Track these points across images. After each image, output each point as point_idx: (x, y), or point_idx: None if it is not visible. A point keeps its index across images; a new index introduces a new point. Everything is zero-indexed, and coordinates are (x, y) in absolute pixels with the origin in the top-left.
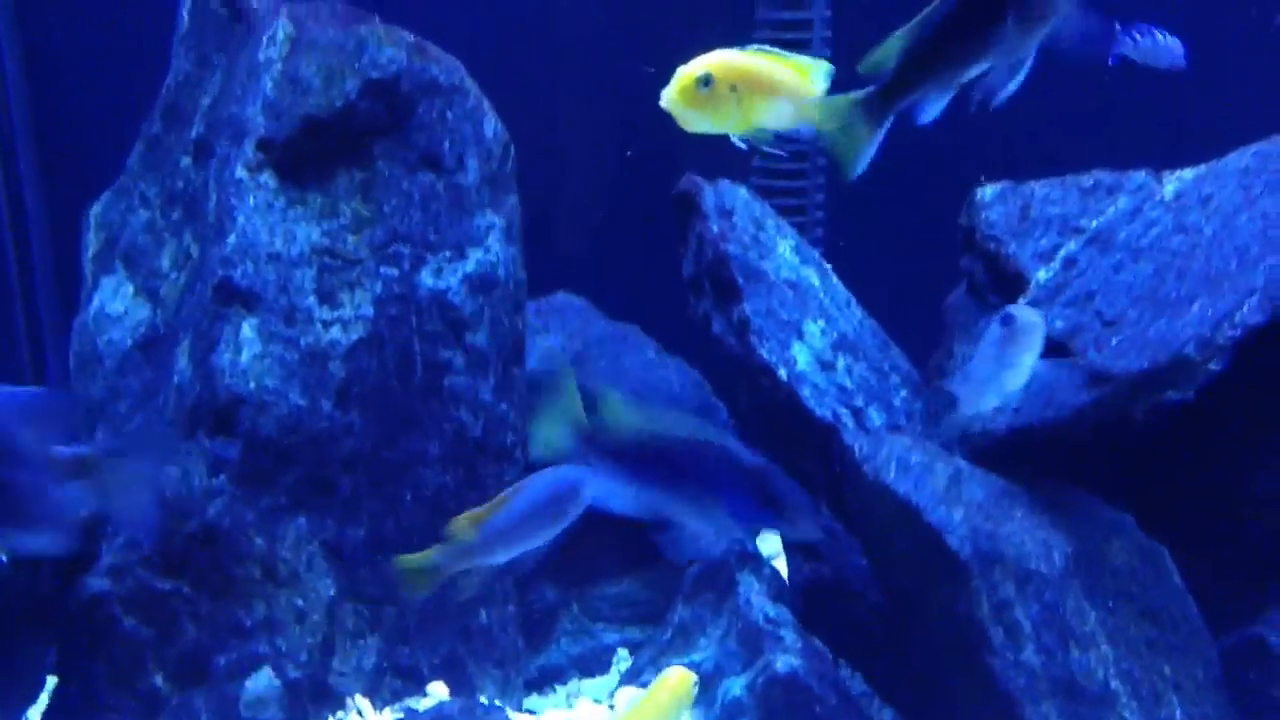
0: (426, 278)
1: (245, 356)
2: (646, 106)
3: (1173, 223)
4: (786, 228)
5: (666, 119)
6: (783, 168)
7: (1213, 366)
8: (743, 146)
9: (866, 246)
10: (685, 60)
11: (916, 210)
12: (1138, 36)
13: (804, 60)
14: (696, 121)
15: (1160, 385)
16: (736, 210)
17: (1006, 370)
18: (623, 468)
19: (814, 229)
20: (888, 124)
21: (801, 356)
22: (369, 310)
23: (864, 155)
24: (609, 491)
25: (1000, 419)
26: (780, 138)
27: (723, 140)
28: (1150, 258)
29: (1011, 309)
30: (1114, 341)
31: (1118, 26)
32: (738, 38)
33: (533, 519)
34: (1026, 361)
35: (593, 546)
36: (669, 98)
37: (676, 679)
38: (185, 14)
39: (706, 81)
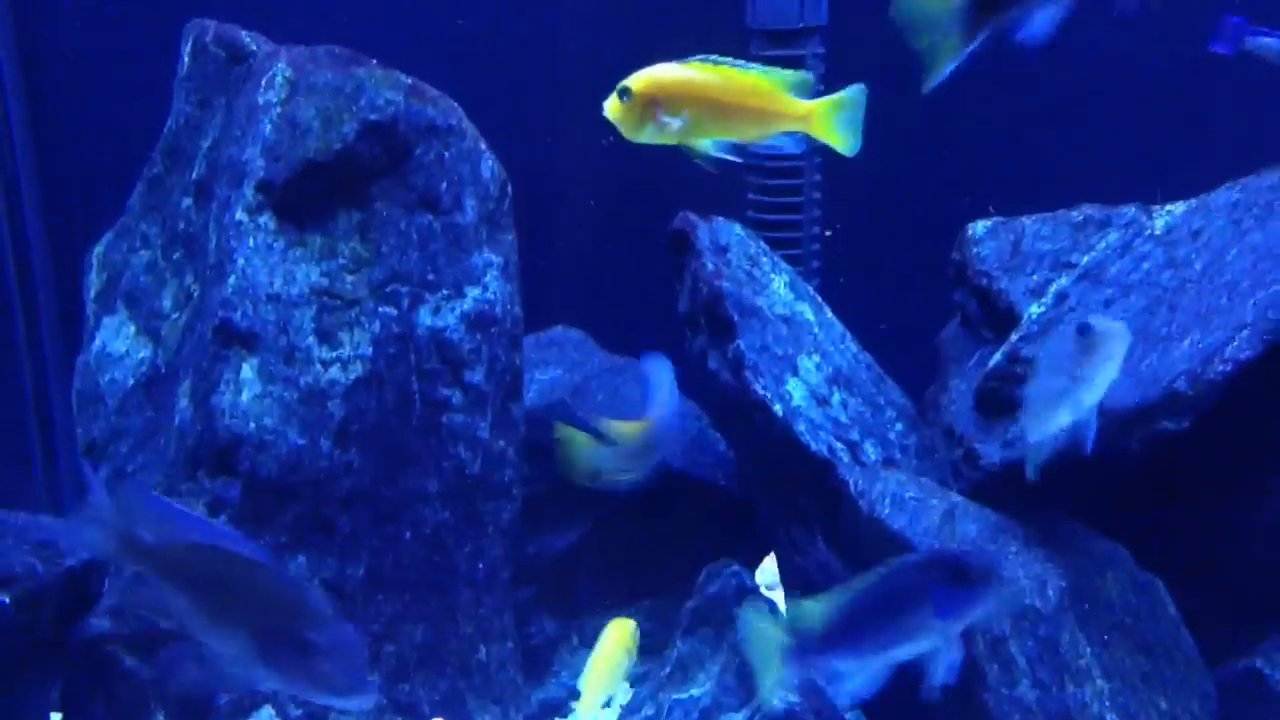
0: (425, 316)
1: (245, 397)
2: (642, 143)
3: (1163, 257)
4: (781, 263)
5: (663, 155)
6: (778, 202)
7: (1204, 403)
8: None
9: (860, 281)
10: None
11: (909, 244)
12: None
13: (764, 70)
14: (633, 133)
15: (1152, 420)
16: (731, 247)
17: (1082, 385)
18: (846, 652)
19: (809, 262)
20: (979, 39)
21: (796, 391)
22: (368, 349)
23: (948, 65)
24: (851, 685)
25: (993, 453)
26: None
27: (719, 177)
28: (1141, 292)
29: (1090, 318)
30: None
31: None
32: None
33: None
34: (1106, 375)
35: (593, 578)
36: (607, 108)
37: (617, 627)
38: (186, 57)
39: (624, 94)
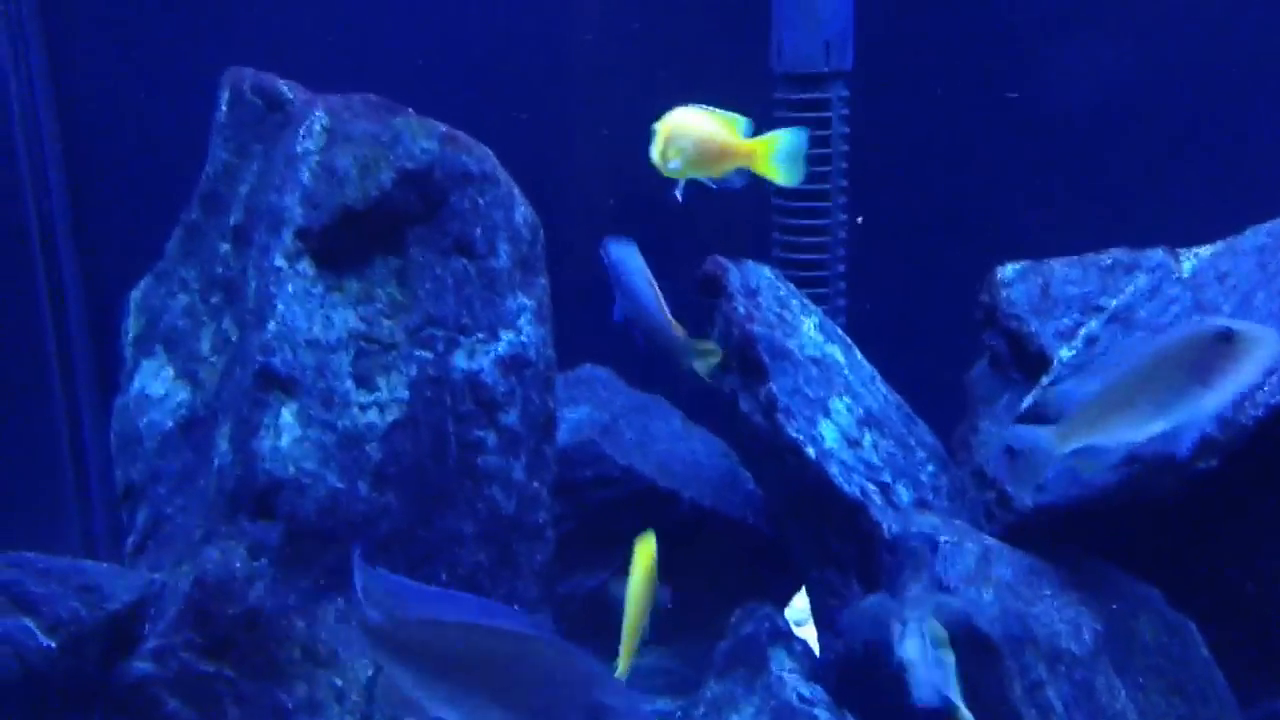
0: (460, 360)
1: (285, 441)
2: (672, 184)
3: (1191, 300)
4: (810, 305)
5: (691, 196)
6: (804, 241)
7: (1235, 445)
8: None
9: (887, 321)
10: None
11: (936, 285)
12: None
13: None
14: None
15: (1186, 465)
16: (761, 290)
17: (1210, 392)
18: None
19: (835, 300)
20: None
21: (829, 434)
22: (404, 393)
23: None
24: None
25: (1025, 495)
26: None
27: (747, 217)
28: None
29: (1230, 323)
30: None
31: None
32: (759, 119)
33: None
34: (1242, 381)
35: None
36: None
37: (642, 543)
38: (224, 105)
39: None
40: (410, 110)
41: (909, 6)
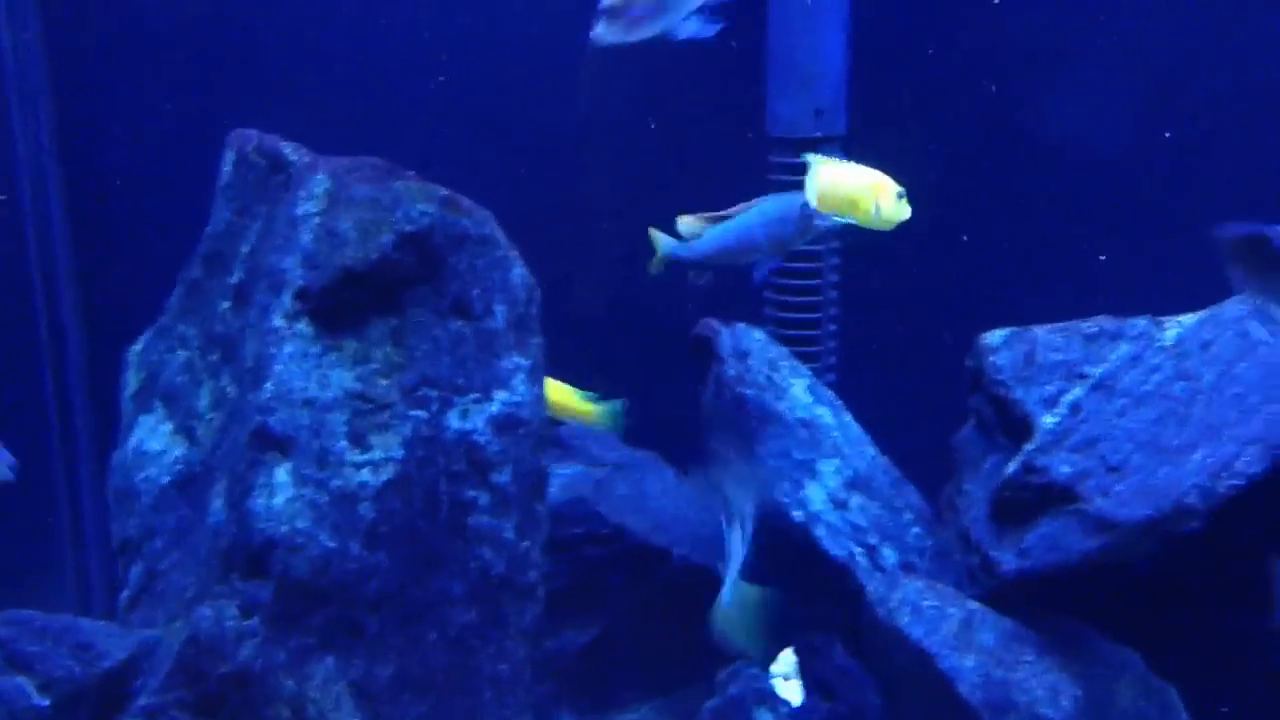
0: (454, 420)
1: (279, 500)
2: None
3: (1173, 369)
4: (800, 367)
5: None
6: (795, 301)
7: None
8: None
9: (877, 383)
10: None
11: (925, 348)
12: None
13: None
14: None
15: (1164, 532)
16: (752, 353)
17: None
18: None
19: (826, 359)
20: None
21: (816, 496)
22: (398, 452)
23: None
24: None
25: (1009, 560)
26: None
27: (735, 278)
28: (1153, 404)
29: None
30: (1118, 488)
31: None
32: (757, 183)
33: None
34: None
35: (612, 671)
36: None
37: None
38: (228, 165)
39: None
40: (412, 173)
41: (906, 75)
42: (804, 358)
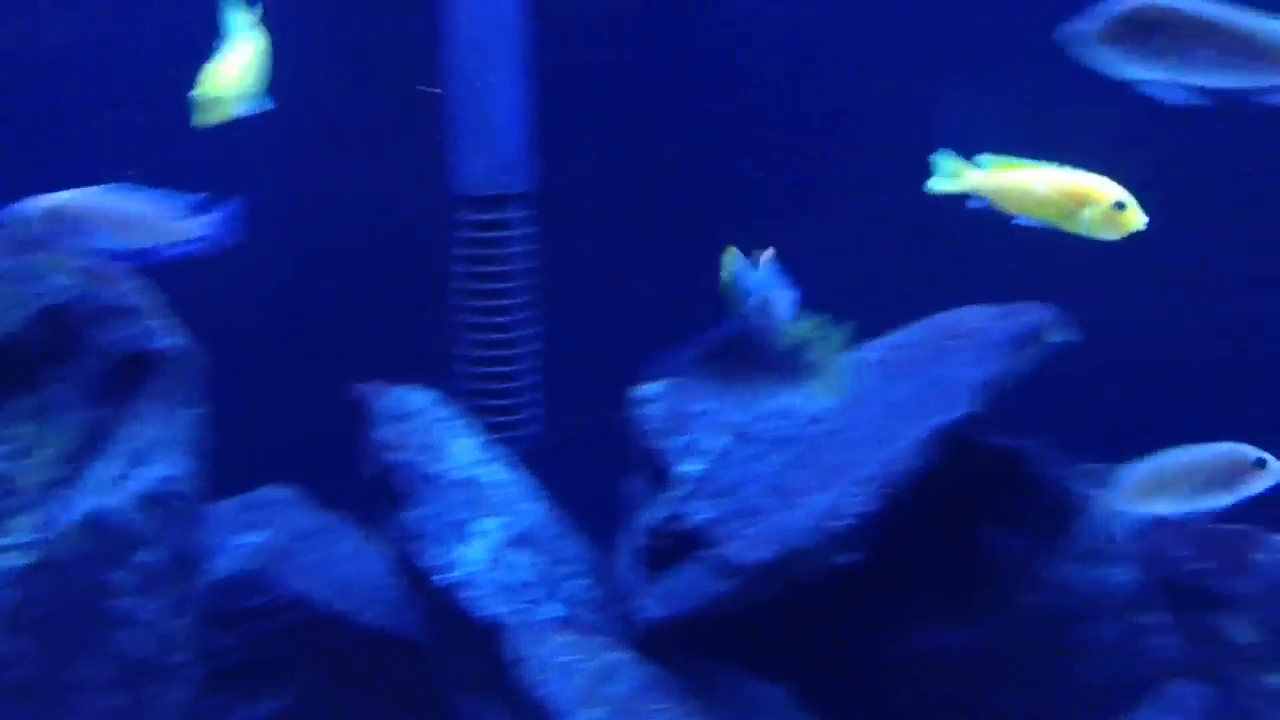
0: (96, 498)
1: None
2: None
3: (808, 412)
4: (475, 426)
5: (373, 323)
6: (488, 356)
7: (838, 558)
8: None
9: (580, 435)
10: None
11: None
12: None
13: None
14: None
15: (788, 574)
16: (413, 415)
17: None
18: None
19: (525, 412)
20: None
21: (473, 556)
22: (40, 535)
23: None
24: None
25: (654, 607)
26: None
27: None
28: (786, 448)
29: (1264, 454)
30: (749, 532)
31: None
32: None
33: None
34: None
35: None
36: None
37: None
38: None
39: None
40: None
41: (595, 130)
42: (502, 415)
